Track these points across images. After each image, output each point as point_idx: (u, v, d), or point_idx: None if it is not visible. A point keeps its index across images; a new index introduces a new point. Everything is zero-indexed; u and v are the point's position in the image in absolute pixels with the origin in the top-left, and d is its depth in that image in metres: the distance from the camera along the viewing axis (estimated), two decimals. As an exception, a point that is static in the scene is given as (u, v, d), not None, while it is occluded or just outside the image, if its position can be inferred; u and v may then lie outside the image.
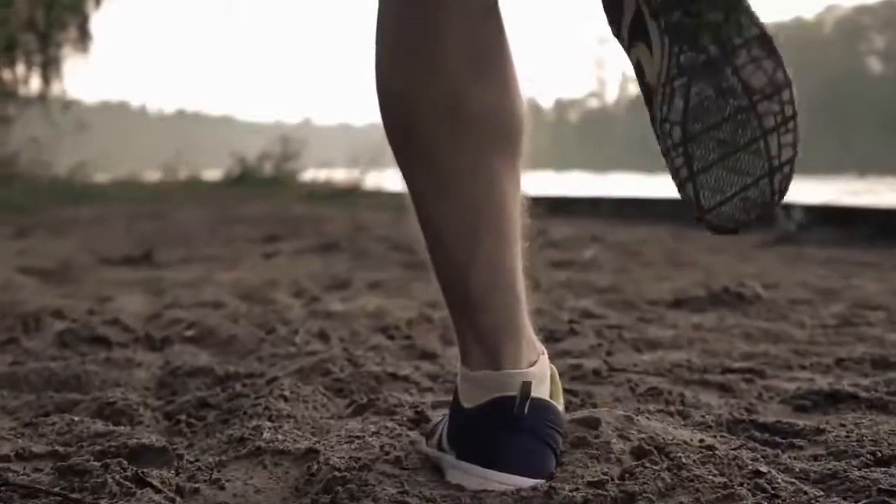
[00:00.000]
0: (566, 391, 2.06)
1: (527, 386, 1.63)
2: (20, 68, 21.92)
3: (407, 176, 1.69)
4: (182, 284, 4.88)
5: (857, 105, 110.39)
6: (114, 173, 21.36)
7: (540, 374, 1.68)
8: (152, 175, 20.86)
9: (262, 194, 14.85)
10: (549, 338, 2.90)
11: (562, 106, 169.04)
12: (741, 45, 1.58)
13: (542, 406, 1.65)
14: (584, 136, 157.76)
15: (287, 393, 2.15)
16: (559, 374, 1.77)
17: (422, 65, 1.63)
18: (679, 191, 1.61)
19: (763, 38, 1.59)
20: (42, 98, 21.52)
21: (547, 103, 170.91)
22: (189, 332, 3.05)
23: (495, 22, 1.67)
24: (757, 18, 1.60)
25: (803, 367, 2.63)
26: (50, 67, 21.86)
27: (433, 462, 1.73)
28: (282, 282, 4.92)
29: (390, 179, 17.05)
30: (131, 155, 33.77)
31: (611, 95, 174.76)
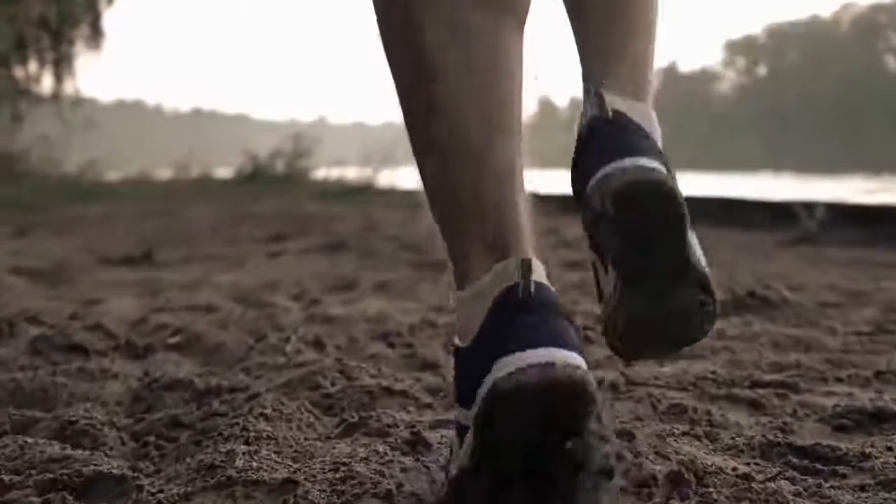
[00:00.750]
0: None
1: (527, 264, 1.42)
2: (32, 66, 21.88)
3: (418, 52, 1.52)
4: (179, 286, 4.67)
5: (873, 103, 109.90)
6: (125, 171, 21.27)
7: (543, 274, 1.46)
8: (164, 173, 20.75)
9: (274, 192, 14.66)
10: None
11: (576, 104, 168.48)
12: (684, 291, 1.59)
13: (547, 290, 1.43)
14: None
15: (269, 411, 1.93)
16: None
17: None
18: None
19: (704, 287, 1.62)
20: (54, 96, 21.45)
21: (561, 101, 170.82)
22: (174, 339, 2.83)
23: None
24: (702, 279, 1.61)
25: (840, 380, 2.39)
26: (62, 65, 21.76)
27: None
28: (284, 283, 4.72)
29: (403, 177, 16.91)
30: (145, 153, 33.63)
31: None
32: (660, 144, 1.66)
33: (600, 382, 2.26)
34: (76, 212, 10.56)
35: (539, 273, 1.43)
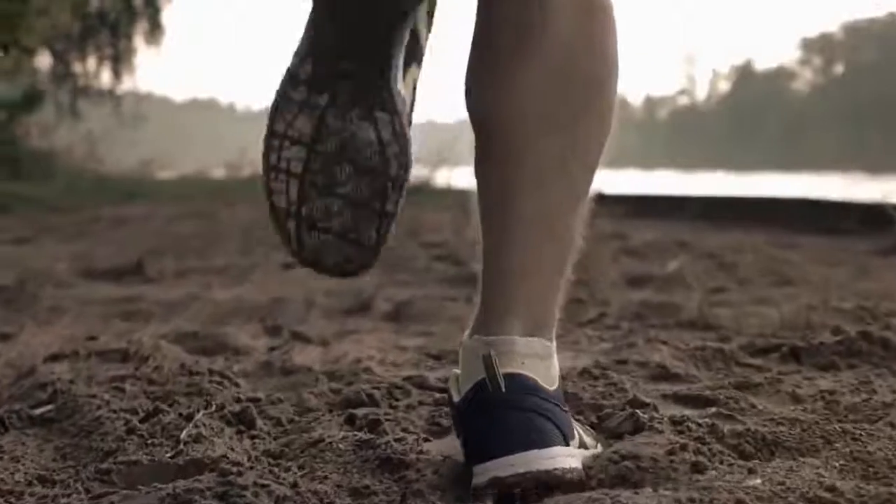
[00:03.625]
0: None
1: (488, 359, 1.50)
2: (91, 61, 21.42)
3: (490, 164, 1.62)
4: (159, 304, 3.90)
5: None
6: (179, 170, 20.80)
7: (539, 353, 1.57)
8: (218, 172, 20.18)
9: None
10: (595, 425, 1.82)
11: (651, 103, 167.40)
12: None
13: (519, 378, 1.51)
14: (673, 133, 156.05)
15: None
16: None
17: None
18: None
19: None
20: (111, 93, 21.05)
21: (636, 100, 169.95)
22: (43, 409, 1.98)
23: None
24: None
25: None
26: (121, 61, 21.32)
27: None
28: (284, 302, 3.93)
29: (461, 176, 16.09)
30: (206, 151, 33.08)
31: (701, 92, 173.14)
32: None
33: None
34: (104, 213, 9.84)
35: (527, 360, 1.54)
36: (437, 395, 1.93)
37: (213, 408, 1.81)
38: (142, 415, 1.78)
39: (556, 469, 1.43)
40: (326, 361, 2.33)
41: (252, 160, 19.71)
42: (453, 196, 11.81)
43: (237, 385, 2.10)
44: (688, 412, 1.91)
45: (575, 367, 2.23)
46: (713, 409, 1.91)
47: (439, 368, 2.22)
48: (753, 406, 1.94)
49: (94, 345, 2.49)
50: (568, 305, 3.81)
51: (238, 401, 1.93)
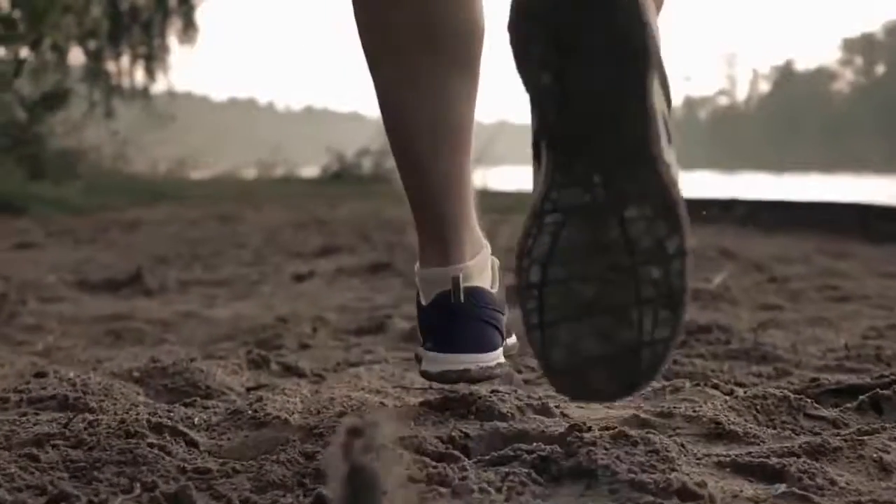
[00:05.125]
0: None
1: (456, 280, 1.90)
2: (125, 60, 21.16)
3: (379, 83, 1.90)
4: (148, 322, 3.52)
5: None
6: (212, 170, 20.58)
7: (479, 266, 1.95)
8: (251, 172, 19.90)
9: (358, 194, 13.52)
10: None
11: (691, 103, 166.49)
12: (636, 197, 1.43)
13: (476, 292, 1.91)
14: (713, 134, 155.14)
15: None
16: None
17: None
18: (526, 335, 1.49)
19: (664, 198, 1.43)
20: (145, 91, 20.84)
21: (675, 101, 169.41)
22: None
23: None
24: (664, 178, 1.43)
25: None
26: (154, 59, 21.09)
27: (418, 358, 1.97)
28: (289, 320, 3.55)
29: (498, 177, 15.69)
30: (245, 152, 32.80)
31: (741, 93, 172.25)
32: None
33: None
34: (123, 216, 9.48)
35: (474, 273, 1.93)
36: (432, 469, 1.52)
37: (138, 490, 1.40)
38: (45, 499, 1.38)
39: (488, 366, 1.90)
40: (307, 411, 1.92)
41: (285, 159, 19.45)
42: (489, 199, 11.39)
43: (190, 445, 1.69)
44: (750, 490, 1.50)
45: (610, 422, 1.82)
46: (783, 487, 1.50)
47: (441, 424, 1.81)
48: (833, 482, 1.52)
49: (37, 385, 2.09)
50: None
51: (182, 472, 1.53)
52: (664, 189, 1.43)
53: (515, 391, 2.15)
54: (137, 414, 1.80)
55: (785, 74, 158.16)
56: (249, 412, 1.87)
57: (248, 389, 2.27)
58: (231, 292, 4.45)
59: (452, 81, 1.86)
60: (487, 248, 1.99)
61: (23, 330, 3.40)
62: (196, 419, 1.87)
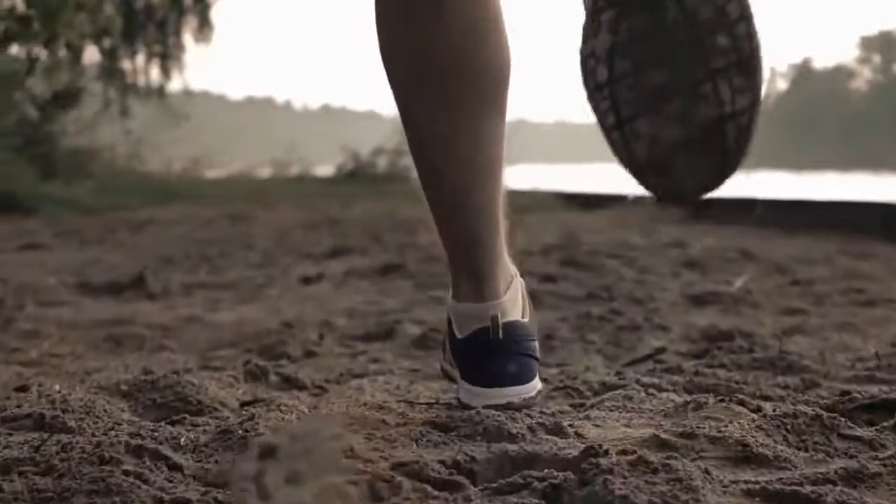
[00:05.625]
0: None
1: (495, 319, 1.88)
2: (140, 58, 21.08)
3: (408, 120, 1.86)
4: (150, 327, 3.41)
5: None
6: (228, 169, 20.49)
7: (512, 298, 1.93)
8: (266, 171, 19.77)
9: (373, 193, 13.37)
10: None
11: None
12: None
13: (514, 326, 1.91)
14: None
15: None
16: None
17: (426, 20, 1.75)
18: (606, 140, 1.50)
19: None
20: (160, 90, 20.79)
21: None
22: None
23: None
24: None
25: None
26: (169, 58, 21.02)
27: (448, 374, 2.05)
28: (294, 325, 3.44)
29: (515, 178, 15.52)
30: (260, 150, 32.69)
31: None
32: None
33: None
34: (133, 216, 9.36)
35: (508, 307, 1.92)
36: (434, 499, 1.38)
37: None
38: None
39: (531, 397, 1.92)
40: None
41: (300, 158, 19.30)
42: (508, 198, 11.23)
43: (173, 470, 1.55)
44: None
45: (628, 444, 1.68)
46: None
47: (446, 446, 1.66)
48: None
49: (15, 401, 1.96)
50: (622, 332, 3.30)
51: (159, 503, 1.39)
52: None
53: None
54: (117, 435, 1.66)
55: (803, 72, 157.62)
56: (240, 432, 1.73)
57: (243, 405, 2.13)
58: (236, 295, 4.33)
59: (484, 117, 1.83)
60: (517, 276, 1.98)
61: (18, 336, 3.29)
62: (182, 439, 1.73)
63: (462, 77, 1.78)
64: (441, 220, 1.92)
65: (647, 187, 1.47)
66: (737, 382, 2.38)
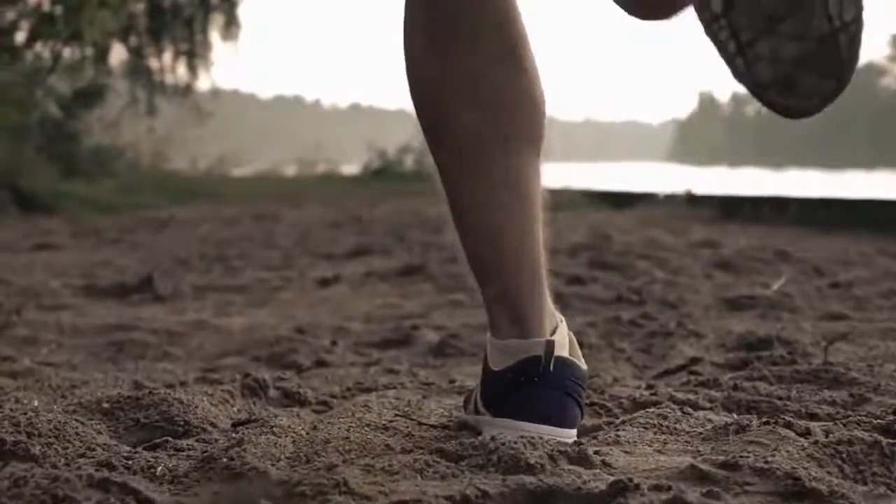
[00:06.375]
0: None
1: (550, 345, 1.77)
2: (167, 56, 20.96)
3: (436, 153, 1.82)
4: (158, 335, 3.24)
5: None
6: (255, 167, 20.41)
7: (560, 340, 1.81)
8: (292, 170, 19.68)
9: (399, 192, 13.20)
10: None
11: (738, 100, 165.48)
12: None
13: (565, 363, 1.79)
14: (762, 130, 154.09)
15: None
16: None
17: (453, 48, 1.75)
18: (729, 69, 1.51)
19: None
20: (187, 88, 20.66)
21: (723, 97, 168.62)
22: None
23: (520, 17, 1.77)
24: None
25: None
26: (196, 56, 20.89)
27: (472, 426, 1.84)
28: (307, 331, 3.27)
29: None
30: (287, 149, 32.62)
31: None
32: None
33: None
34: (155, 215, 9.20)
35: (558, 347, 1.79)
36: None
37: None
38: None
39: (567, 444, 1.63)
40: (296, 457, 1.59)
41: (327, 157, 19.19)
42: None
43: (142, 506, 1.36)
44: None
45: (663, 476, 1.48)
46: None
47: (454, 479, 1.46)
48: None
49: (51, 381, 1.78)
50: (654, 339, 3.10)
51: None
52: None
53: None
54: (80, 466, 1.47)
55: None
56: (224, 460, 1.54)
57: (235, 425, 1.93)
58: (249, 299, 4.15)
59: (522, 153, 1.79)
60: (563, 322, 1.88)
61: (14, 343, 3.11)
62: (159, 469, 1.54)
63: (492, 109, 1.77)
64: (478, 258, 1.86)
65: (771, 107, 1.49)
66: (780, 398, 2.17)
